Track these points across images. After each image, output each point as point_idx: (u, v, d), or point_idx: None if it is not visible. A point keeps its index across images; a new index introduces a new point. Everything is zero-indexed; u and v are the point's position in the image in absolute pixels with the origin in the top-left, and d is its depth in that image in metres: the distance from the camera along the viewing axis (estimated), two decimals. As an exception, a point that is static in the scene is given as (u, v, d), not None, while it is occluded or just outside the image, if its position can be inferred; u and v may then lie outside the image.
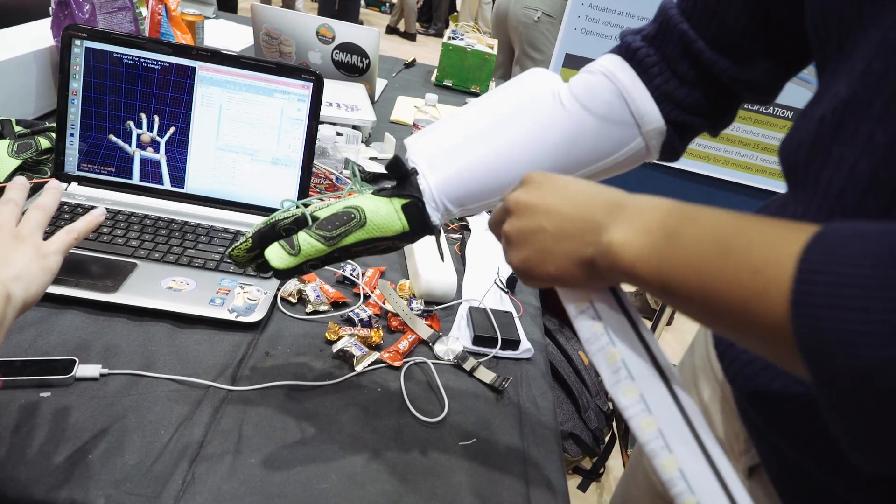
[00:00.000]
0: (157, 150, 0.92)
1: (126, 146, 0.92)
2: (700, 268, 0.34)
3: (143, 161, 0.93)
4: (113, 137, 0.92)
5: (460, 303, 0.89)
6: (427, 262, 0.90)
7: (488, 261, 0.98)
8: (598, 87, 0.61)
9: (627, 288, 2.61)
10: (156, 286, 0.77)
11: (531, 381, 0.80)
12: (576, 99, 0.61)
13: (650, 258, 0.37)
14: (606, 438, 1.72)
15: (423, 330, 0.81)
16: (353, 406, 0.69)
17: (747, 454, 0.55)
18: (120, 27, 1.14)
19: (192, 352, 0.71)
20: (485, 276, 0.94)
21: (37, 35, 1.15)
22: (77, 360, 0.65)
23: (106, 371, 0.65)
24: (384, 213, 0.60)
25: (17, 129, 0.99)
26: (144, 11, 1.30)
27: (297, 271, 0.60)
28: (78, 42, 0.89)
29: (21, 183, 0.58)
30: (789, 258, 0.30)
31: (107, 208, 0.89)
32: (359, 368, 0.73)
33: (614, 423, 1.74)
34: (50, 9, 1.15)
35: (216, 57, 0.91)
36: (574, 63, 1.28)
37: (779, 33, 0.55)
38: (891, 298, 0.26)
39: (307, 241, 0.58)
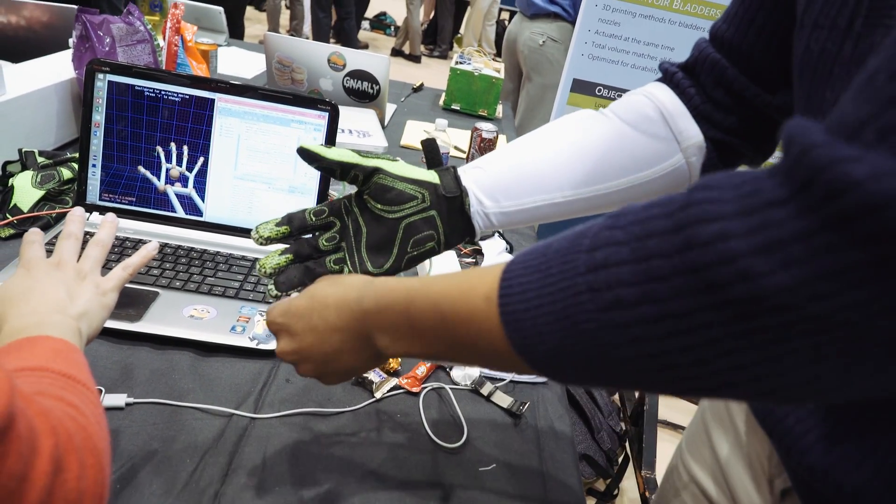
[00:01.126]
0: (185, 185, 0.94)
1: (155, 180, 0.94)
2: (441, 338, 0.44)
3: (166, 192, 0.95)
4: (142, 169, 0.94)
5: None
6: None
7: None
8: (637, 104, 0.63)
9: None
10: (178, 314, 0.79)
11: (548, 404, 0.80)
12: (615, 113, 0.63)
13: (412, 346, 0.47)
14: (620, 459, 1.71)
15: (441, 355, 0.82)
16: (374, 432, 0.70)
17: (779, 477, 0.56)
18: (139, 59, 1.17)
19: (214, 380, 0.72)
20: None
21: (57, 67, 1.18)
22: (103, 389, 0.66)
23: (131, 400, 0.67)
24: (416, 167, 0.59)
25: (40, 159, 1.01)
26: (161, 42, 1.33)
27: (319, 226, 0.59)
28: (101, 76, 0.92)
29: (80, 215, 0.60)
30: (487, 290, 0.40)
31: (127, 238, 0.91)
32: (378, 395, 0.74)
33: (627, 444, 1.73)
34: (70, 41, 1.18)
35: (235, 89, 0.93)
36: (582, 88, 1.30)
37: None
38: (551, 296, 0.36)
39: (340, 148, 0.57)
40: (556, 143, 0.62)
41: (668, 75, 0.64)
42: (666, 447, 1.98)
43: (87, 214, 0.94)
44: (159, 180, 0.94)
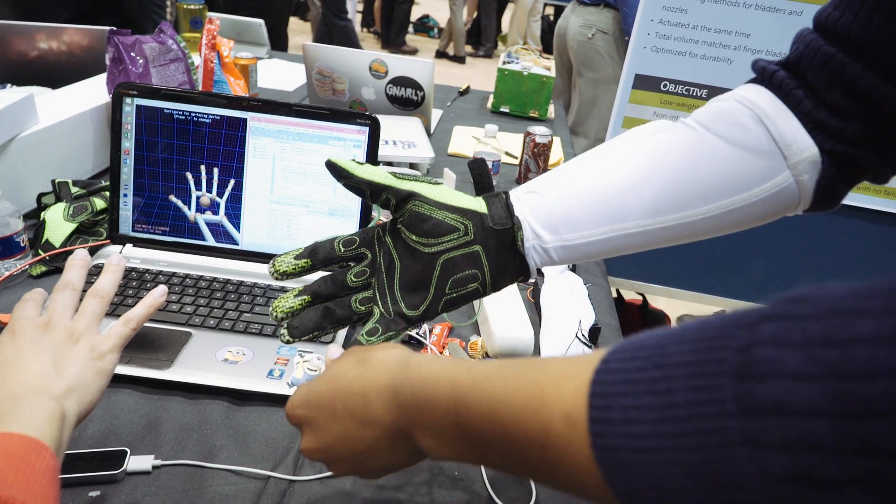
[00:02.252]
0: (216, 212, 0.88)
1: (186, 209, 0.88)
2: (499, 453, 0.34)
3: (199, 220, 0.89)
4: (174, 198, 0.88)
5: (539, 361, 0.80)
6: (499, 314, 0.82)
7: (567, 309, 0.89)
8: (728, 111, 0.51)
9: (698, 311, 2.44)
10: (211, 358, 0.72)
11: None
12: (700, 123, 0.51)
13: (462, 453, 0.37)
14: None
15: (501, 397, 0.72)
16: (427, 495, 0.61)
17: None
18: (173, 79, 1.13)
19: (250, 434, 0.65)
20: (564, 328, 0.85)
21: (92, 92, 1.14)
22: (128, 451, 0.60)
23: (159, 462, 0.60)
24: (459, 193, 0.50)
25: (74, 189, 0.97)
26: (197, 59, 1.29)
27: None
28: (129, 100, 0.86)
29: (82, 259, 0.54)
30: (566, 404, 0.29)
31: (161, 271, 0.85)
32: (432, 448, 0.65)
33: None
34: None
35: (267, 106, 0.86)
36: (646, 84, 1.18)
37: None
38: (677, 438, 0.24)
39: (372, 166, 0.49)
40: (627, 160, 0.51)
41: (766, 75, 0.52)
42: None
43: (120, 247, 0.89)
44: (189, 209, 0.88)
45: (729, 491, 0.22)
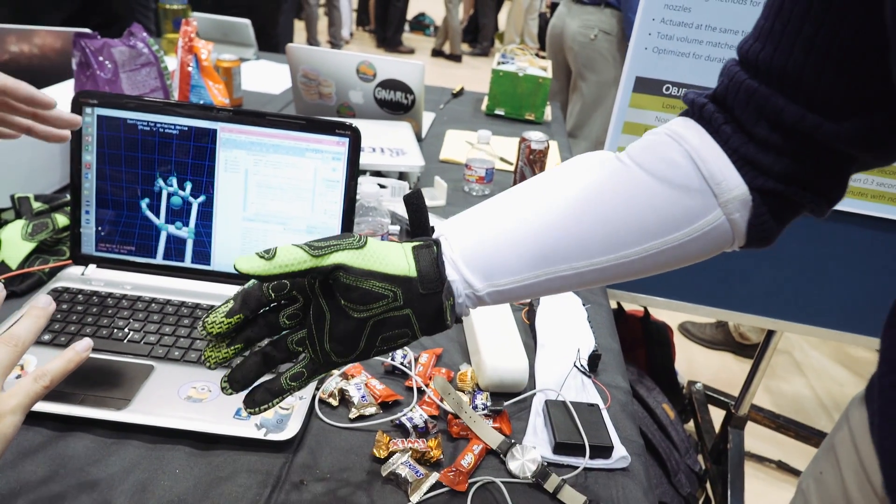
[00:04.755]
0: (186, 223, 0.81)
1: (154, 217, 0.81)
2: None
3: (169, 239, 0.82)
4: (142, 205, 0.81)
5: (534, 394, 0.73)
6: (491, 342, 0.75)
7: (564, 335, 0.83)
8: (660, 147, 0.49)
9: (700, 319, 2.39)
10: (173, 396, 0.66)
11: (630, 499, 0.63)
12: (633, 160, 0.49)
13: None
14: (701, 502, 1.52)
15: (492, 437, 0.66)
16: (410, 554, 0.55)
17: None
18: (145, 84, 1.06)
19: (213, 486, 0.58)
20: (561, 356, 0.79)
21: (59, 98, 1.07)
22: (73, 508, 0.53)
23: (106, 522, 0.53)
24: (389, 247, 0.48)
25: (36, 205, 0.90)
26: (173, 63, 1.22)
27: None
28: (89, 110, 0.80)
29: (42, 309, 0.47)
30: None
31: (124, 295, 0.79)
32: (414, 499, 0.59)
33: (709, 485, 1.54)
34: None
35: (239, 116, 0.79)
36: (646, 87, 1.11)
37: (880, 77, 0.41)
38: None
39: (286, 248, 0.44)
40: (560, 199, 0.49)
41: (696, 108, 0.49)
42: (752, 483, 1.77)
43: (81, 268, 0.83)
44: (158, 217, 0.81)
45: None
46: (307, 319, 0.48)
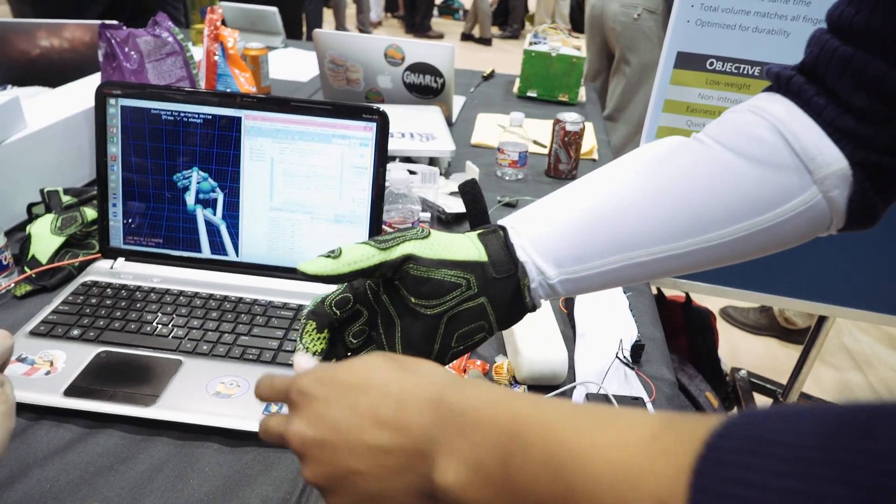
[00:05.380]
0: (215, 212, 0.80)
1: (181, 209, 0.80)
2: None
3: (196, 230, 0.80)
4: (169, 197, 0.80)
5: (574, 387, 0.70)
6: (528, 333, 0.72)
7: (605, 324, 0.79)
8: (743, 124, 0.45)
9: (743, 303, 2.31)
10: (202, 391, 0.64)
11: None
12: (713, 139, 0.45)
13: (494, 500, 0.29)
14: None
15: (530, 433, 0.63)
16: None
17: None
18: (171, 74, 1.05)
19: (242, 485, 0.56)
20: (602, 347, 0.75)
21: (88, 91, 1.07)
22: (101, 508, 0.52)
23: (135, 523, 0.52)
24: (454, 237, 0.45)
25: (65, 199, 0.90)
26: (199, 52, 1.20)
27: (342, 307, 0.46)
28: (112, 101, 0.78)
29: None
30: None
31: (153, 288, 0.77)
32: (450, 498, 0.56)
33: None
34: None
35: (263, 103, 0.77)
36: (688, 62, 1.06)
37: None
38: None
39: (351, 245, 0.43)
40: (633, 183, 0.46)
41: (782, 81, 0.46)
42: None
43: (110, 262, 0.82)
44: (185, 209, 0.80)
45: None
46: (376, 333, 0.47)
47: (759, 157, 0.44)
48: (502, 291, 0.44)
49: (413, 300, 0.44)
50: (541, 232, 0.46)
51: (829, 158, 0.43)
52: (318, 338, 0.46)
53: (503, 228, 0.46)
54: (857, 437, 0.19)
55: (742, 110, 0.47)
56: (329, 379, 0.36)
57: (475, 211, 0.48)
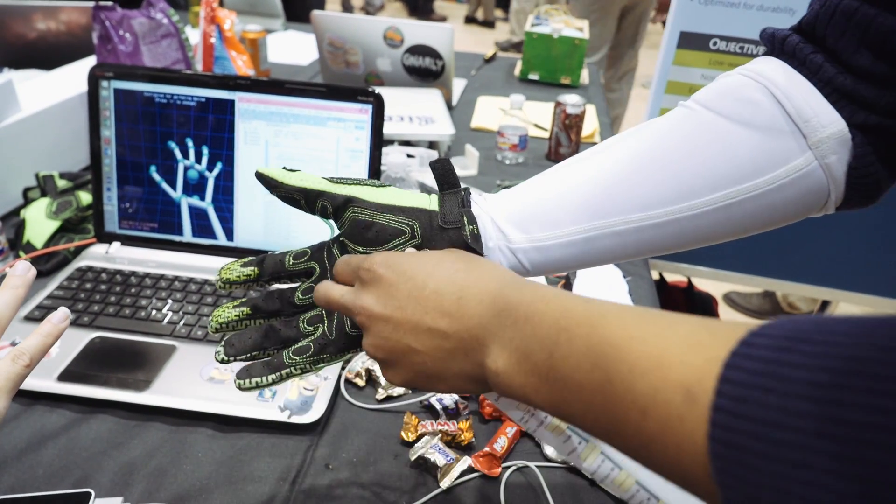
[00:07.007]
0: (202, 198, 0.79)
1: (171, 191, 0.79)
2: (588, 402, 0.29)
3: (190, 213, 0.80)
4: (155, 175, 0.79)
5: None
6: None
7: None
8: (733, 86, 0.42)
9: (746, 288, 2.29)
10: (195, 377, 0.64)
11: (676, 484, 0.59)
12: (700, 103, 0.43)
13: (539, 388, 0.32)
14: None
15: (526, 419, 0.62)
16: (440, 544, 0.52)
17: None
18: (166, 56, 1.03)
19: (236, 468, 0.56)
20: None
21: (83, 74, 1.06)
22: (93, 493, 0.52)
23: (127, 507, 0.52)
24: (411, 192, 0.45)
25: (60, 183, 0.89)
26: (195, 35, 1.19)
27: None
28: (105, 83, 0.77)
29: (19, 277, 0.44)
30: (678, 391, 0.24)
31: (147, 273, 0.77)
32: (445, 484, 0.56)
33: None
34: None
35: (257, 85, 0.76)
36: (692, 42, 1.04)
37: None
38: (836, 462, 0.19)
39: (308, 172, 0.44)
40: (613, 154, 0.43)
41: (777, 42, 0.43)
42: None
43: (106, 247, 0.81)
44: (175, 190, 0.79)
45: None
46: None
47: (748, 120, 0.40)
48: (448, 244, 0.42)
49: (360, 249, 0.43)
50: (508, 199, 0.44)
51: (826, 120, 0.39)
52: (241, 272, 0.45)
53: (466, 190, 0.44)
54: (888, 338, 0.20)
55: (733, 74, 0.44)
56: (400, 264, 0.38)
57: (445, 185, 0.44)
